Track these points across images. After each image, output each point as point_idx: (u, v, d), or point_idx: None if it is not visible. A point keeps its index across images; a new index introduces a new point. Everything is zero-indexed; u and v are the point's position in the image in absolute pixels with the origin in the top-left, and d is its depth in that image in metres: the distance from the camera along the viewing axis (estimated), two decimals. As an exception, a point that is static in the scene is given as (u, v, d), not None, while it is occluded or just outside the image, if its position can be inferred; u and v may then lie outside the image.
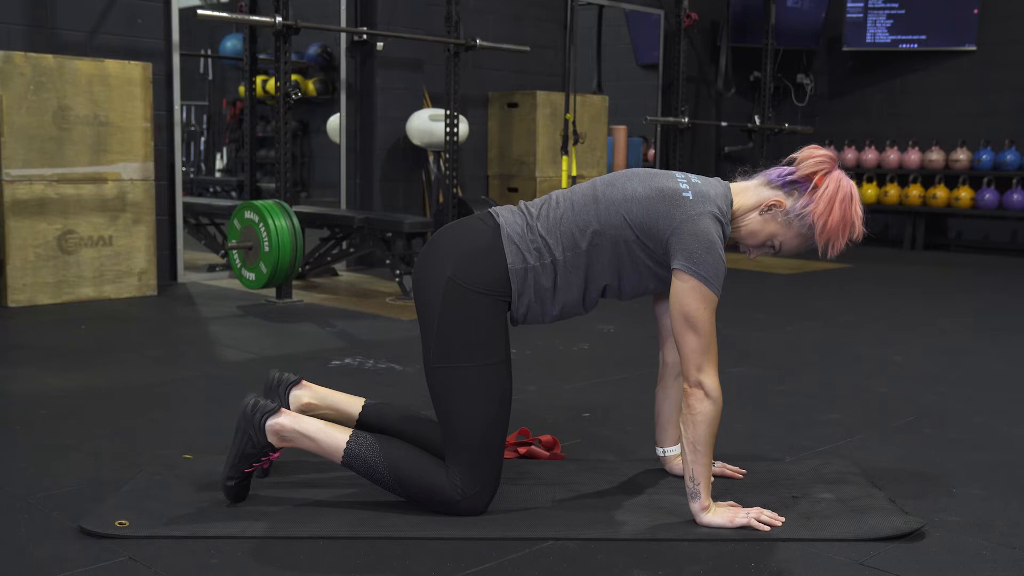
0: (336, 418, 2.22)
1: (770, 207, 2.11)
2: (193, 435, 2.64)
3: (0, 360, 3.57)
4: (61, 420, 2.77)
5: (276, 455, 2.11)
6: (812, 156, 2.11)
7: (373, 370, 3.48)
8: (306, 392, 2.25)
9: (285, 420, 2.08)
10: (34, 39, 4.91)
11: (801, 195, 2.09)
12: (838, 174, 2.11)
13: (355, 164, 6.42)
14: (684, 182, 2.11)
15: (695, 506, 2.05)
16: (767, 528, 2.01)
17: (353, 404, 2.26)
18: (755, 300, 5.42)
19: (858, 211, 2.09)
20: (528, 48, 6.51)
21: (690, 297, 2.01)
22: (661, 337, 2.33)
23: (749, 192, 2.15)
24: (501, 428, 2.07)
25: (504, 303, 2.08)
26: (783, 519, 2.05)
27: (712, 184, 2.13)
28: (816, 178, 2.08)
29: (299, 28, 5.01)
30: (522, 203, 2.18)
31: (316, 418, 2.15)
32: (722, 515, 2.04)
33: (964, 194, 8.27)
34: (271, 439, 2.07)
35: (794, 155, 2.14)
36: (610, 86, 8.31)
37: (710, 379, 2.02)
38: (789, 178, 2.11)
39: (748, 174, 2.21)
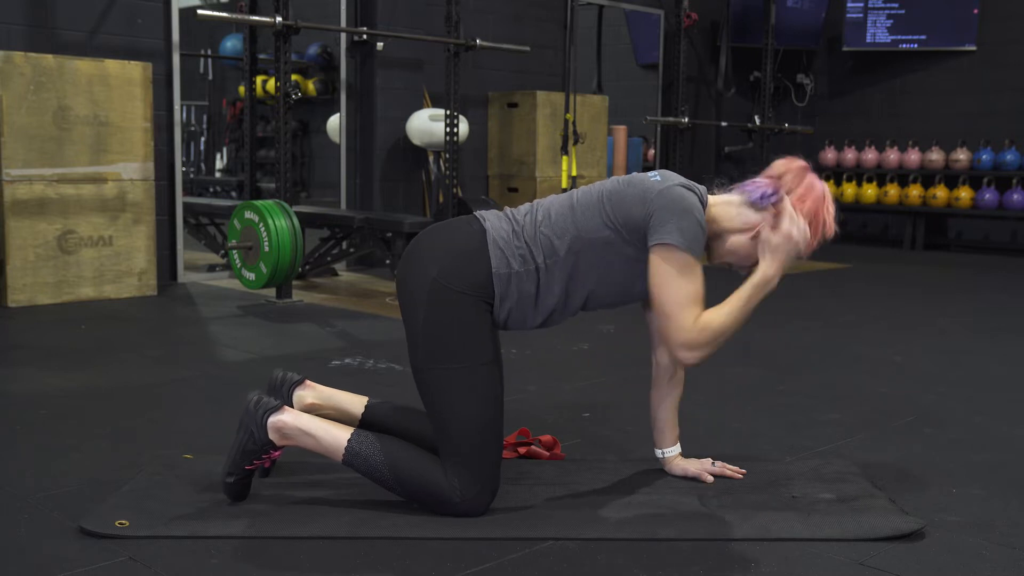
0: (339, 418, 2.22)
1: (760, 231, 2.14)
2: (193, 435, 2.64)
3: (0, 360, 3.58)
4: (61, 420, 2.77)
5: (277, 454, 2.11)
6: (788, 171, 2.14)
7: (373, 370, 3.48)
8: (310, 392, 2.26)
9: (287, 417, 2.08)
10: (34, 39, 4.91)
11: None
12: (810, 177, 2.14)
13: (355, 164, 6.42)
14: (653, 173, 2.16)
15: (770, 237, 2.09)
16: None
17: (356, 403, 2.26)
18: (755, 300, 5.41)
19: (830, 209, 2.14)
20: (528, 48, 6.51)
21: (668, 267, 2.02)
22: (653, 341, 2.34)
23: (732, 208, 2.16)
24: (496, 429, 2.07)
25: (487, 305, 2.07)
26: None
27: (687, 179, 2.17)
28: (795, 190, 2.13)
29: (299, 28, 5.01)
30: (507, 209, 2.19)
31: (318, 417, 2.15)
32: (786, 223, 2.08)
33: (964, 194, 8.27)
34: (272, 436, 2.07)
35: (769, 168, 2.17)
36: (610, 86, 8.31)
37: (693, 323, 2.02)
38: (773, 199, 2.13)
39: (724, 186, 2.22)
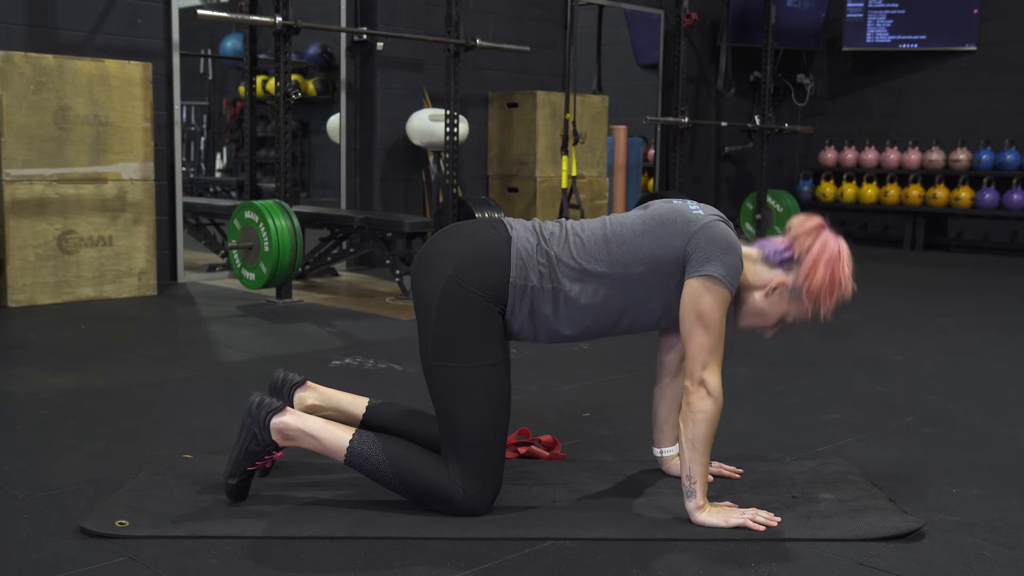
0: (340, 419, 2.22)
1: (775, 288, 2.13)
2: (193, 435, 2.64)
3: (0, 360, 3.58)
4: (61, 420, 2.77)
5: (279, 454, 2.11)
6: (802, 229, 2.12)
7: (373, 370, 3.48)
8: (311, 393, 2.26)
9: (290, 419, 2.08)
10: (34, 39, 4.91)
11: (800, 267, 2.12)
12: (825, 235, 2.11)
13: (355, 164, 6.42)
14: (693, 203, 2.15)
15: (690, 505, 2.05)
16: (763, 528, 2.01)
17: (357, 404, 2.27)
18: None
19: (846, 270, 2.10)
20: (528, 48, 6.51)
21: (707, 295, 2.02)
22: (660, 339, 2.34)
23: (749, 263, 2.15)
24: (501, 429, 2.07)
25: (498, 310, 2.07)
26: (780, 519, 2.05)
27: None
28: (808, 247, 2.11)
29: (299, 28, 5.01)
30: (536, 221, 2.17)
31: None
32: (717, 515, 2.04)
33: (964, 194, 8.27)
34: (275, 437, 2.07)
35: (787, 226, 2.16)
36: (610, 86, 8.30)
37: (714, 377, 2.03)
38: (786, 255, 2.13)
39: (748, 242, 2.21)
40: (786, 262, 2.13)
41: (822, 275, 2.08)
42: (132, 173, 4.93)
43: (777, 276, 2.13)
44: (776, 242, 2.16)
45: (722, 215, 2.13)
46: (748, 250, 2.17)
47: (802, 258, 2.10)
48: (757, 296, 2.15)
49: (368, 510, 2.08)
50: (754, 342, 4.12)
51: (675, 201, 2.17)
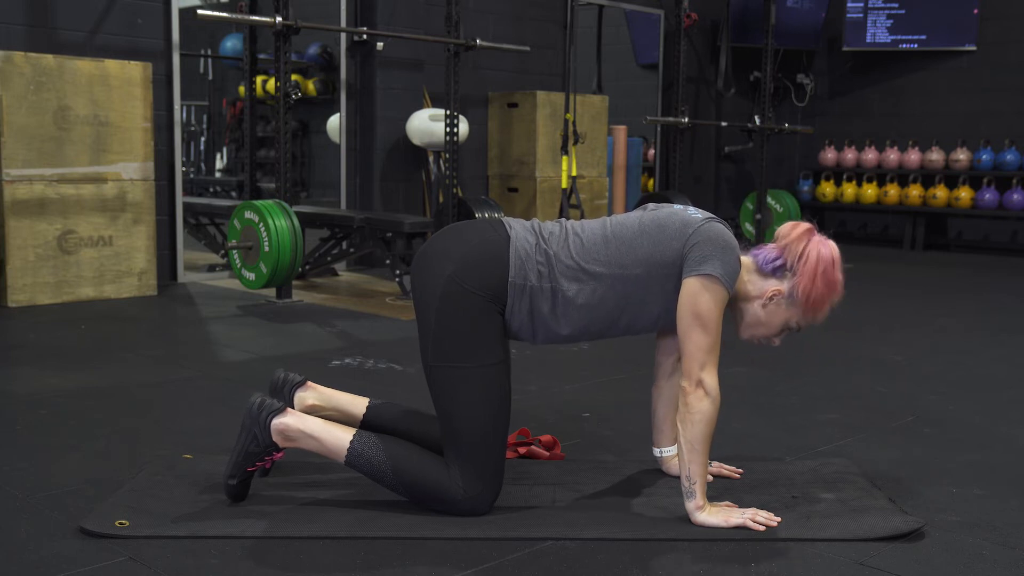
0: (340, 419, 2.22)
1: (771, 297, 2.13)
2: (193, 435, 2.64)
3: (0, 360, 3.58)
4: (61, 420, 2.77)
5: (279, 455, 2.11)
6: (791, 236, 2.12)
7: (373, 370, 3.48)
8: (311, 394, 2.26)
9: (290, 420, 2.08)
10: (34, 39, 4.91)
11: (793, 274, 2.11)
12: (816, 241, 2.10)
13: (355, 164, 6.42)
14: (692, 207, 2.16)
15: (690, 505, 2.05)
16: (763, 528, 2.01)
17: (357, 404, 2.27)
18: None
19: (838, 275, 2.10)
20: (528, 48, 6.51)
21: (705, 294, 2.02)
22: (658, 340, 2.34)
23: (745, 273, 2.15)
24: (502, 428, 2.07)
25: (498, 310, 2.07)
26: (779, 519, 2.05)
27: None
28: (800, 253, 2.10)
29: (299, 28, 5.01)
30: (535, 221, 2.18)
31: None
32: (717, 515, 2.04)
33: (964, 194, 8.27)
34: (276, 438, 2.07)
35: (776, 234, 2.16)
36: (610, 86, 8.30)
37: (711, 378, 2.03)
38: (778, 263, 2.12)
39: (743, 251, 2.19)
40: (779, 270, 2.13)
41: (819, 284, 2.07)
42: (132, 173, 4.93)
43: (771, 286, 2.13)
44: (767, 251, 2.15)
45: (720, 219, 2.14)
46: (743, 260, 2.16)
47: (795, 266, 2.10)
48: (756, 306, 2.15)
49: (368, 510, 2.08)
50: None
51: (675, 205, 2.18)
